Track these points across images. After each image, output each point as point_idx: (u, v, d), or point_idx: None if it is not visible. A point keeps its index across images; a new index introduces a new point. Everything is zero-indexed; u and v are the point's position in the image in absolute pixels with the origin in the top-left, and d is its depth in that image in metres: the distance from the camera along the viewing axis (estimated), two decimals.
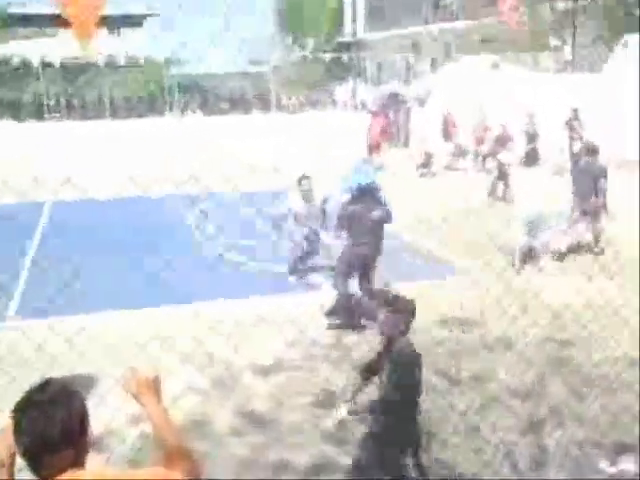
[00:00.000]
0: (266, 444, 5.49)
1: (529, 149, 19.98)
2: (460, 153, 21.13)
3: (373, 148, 21.91)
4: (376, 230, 8.00)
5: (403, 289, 8.82)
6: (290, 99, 47.16)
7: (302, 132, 26.50)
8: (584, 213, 10.95)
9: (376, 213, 7.92)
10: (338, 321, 7.94)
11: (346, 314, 7.95)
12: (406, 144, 25.99)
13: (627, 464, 3.43)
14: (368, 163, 9.21)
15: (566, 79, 23.76)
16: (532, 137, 20.15)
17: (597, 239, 11.07)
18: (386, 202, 8.12)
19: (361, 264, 8.08)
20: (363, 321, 7.80)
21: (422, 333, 7.89)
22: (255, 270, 10.12)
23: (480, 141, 20.38)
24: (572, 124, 19.88)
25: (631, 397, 5.49)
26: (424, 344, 7.55)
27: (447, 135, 22.21)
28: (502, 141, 17.98)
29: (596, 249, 11.03)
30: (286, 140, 24.41)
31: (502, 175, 15.58)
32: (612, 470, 3.48)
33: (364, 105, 31.17)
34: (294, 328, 5.59)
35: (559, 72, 28.32)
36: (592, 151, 11.23)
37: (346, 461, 5.12)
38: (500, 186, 15.62)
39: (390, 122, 25.74)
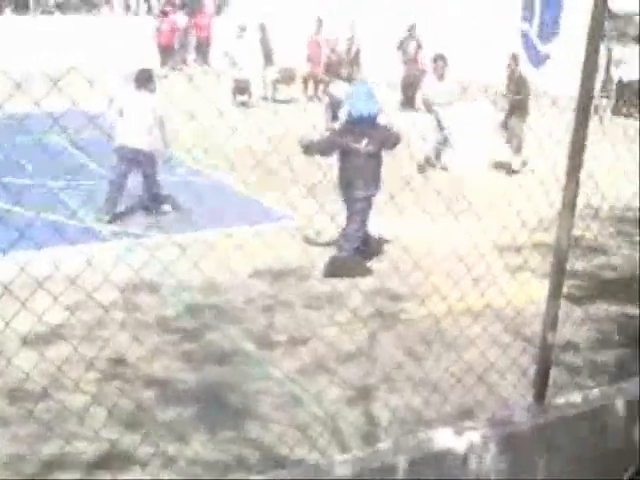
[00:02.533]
0: (39, 435, 5.25)
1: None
2: (286, 79, 20.02)
3: (166, 52, 21.21)
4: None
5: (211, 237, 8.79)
6: None
7: (75, 39, 25.03)
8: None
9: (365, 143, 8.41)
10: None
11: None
12: (204, 60, 25.20)
13: (473, 433, 3.60)
14: (364, 84, 9.39)
15: None
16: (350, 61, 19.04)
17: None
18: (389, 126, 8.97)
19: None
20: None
21: (232, 290, 7.84)
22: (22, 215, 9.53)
23: (316, 64, 19.17)
24: (406, 46, 19.11)
25: (472, 354, 5.78)
26: (231, 303, 7.53)
27: (267, 55, 20.81)
28: (335, 65, 17.27)
29: None
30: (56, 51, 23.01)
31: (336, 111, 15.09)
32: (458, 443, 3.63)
33: (150, 8, 30.00)
34: (76, 288, 5.31)
35: None
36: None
37: (142, 450, 5.00)
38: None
39: (182, 28, 24.85)
